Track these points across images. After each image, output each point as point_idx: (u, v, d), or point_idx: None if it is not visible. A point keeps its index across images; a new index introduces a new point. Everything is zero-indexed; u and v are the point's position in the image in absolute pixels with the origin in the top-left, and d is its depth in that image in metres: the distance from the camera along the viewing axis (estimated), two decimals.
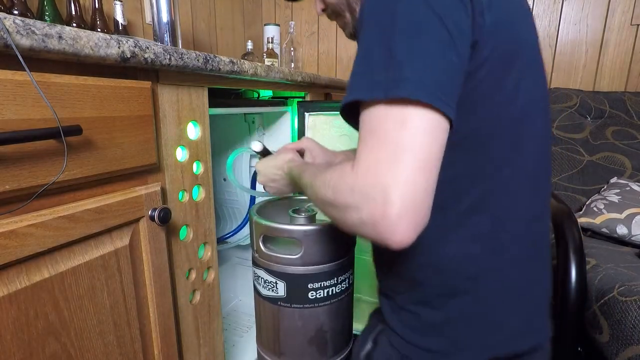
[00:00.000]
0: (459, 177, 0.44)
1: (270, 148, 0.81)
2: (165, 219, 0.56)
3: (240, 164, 1.17)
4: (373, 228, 0.35)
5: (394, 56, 0.35)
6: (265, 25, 1.65)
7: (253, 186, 1.09)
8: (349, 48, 1.81)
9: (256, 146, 0.76)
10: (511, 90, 0.42)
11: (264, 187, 0.72)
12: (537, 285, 0.50)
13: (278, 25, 1.66)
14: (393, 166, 0.34)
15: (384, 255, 0.55)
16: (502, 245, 0.46)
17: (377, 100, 0.36)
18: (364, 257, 1.04)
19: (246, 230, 1.18)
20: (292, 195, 0.87)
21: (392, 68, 0.35)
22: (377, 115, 0.36)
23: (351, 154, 0.82)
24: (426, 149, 0.34)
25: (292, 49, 1.62)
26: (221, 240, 1.15)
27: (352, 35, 0.64)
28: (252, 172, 1.13)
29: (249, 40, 1.52)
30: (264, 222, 0.72)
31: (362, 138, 0.38)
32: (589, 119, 1.36)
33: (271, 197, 0.91)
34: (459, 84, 0.38)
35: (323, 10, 0.64)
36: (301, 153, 0.78)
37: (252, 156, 1.16)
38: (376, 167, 0.34)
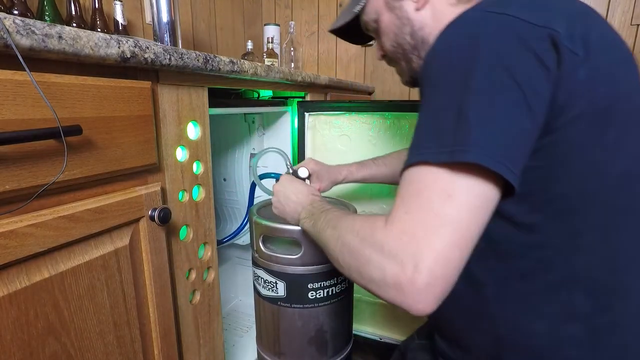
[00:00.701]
0: (547, 244, 0.40)
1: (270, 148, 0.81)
2: (165, 219, 0.56)
3: (241, 162, 1.17)
4: (395, 290, 0.34)
5: (465, 119, 0.34)
6: (265, 25, 1.65)
7: (252, 191, 1.09)
8: (349, 48, 1.81)
9: (303, 172, 0.77)
10: (612, 147, 0.38)
11: (273, 196, 0.71)
12: None
13: (278, 25, 1.66)
14: (429, 237, 0.33)
15: (453, 322, 0.50)
16: (609, 329, 0.39)
17: (434, 163, 0.35)
18: None
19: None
20: None
21: (461, 131, 0.34)
22: (426, 179, 0.35)
23: (354, 170, 0.82)
24: (466, 226, 0.33)
25: (292, 49, 1.62)
26: (221, 243, 1.15)
27: (408, 83, 0.63)
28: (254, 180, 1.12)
29: (249, 40, 1.52)
30: (264, 222, 0.72)
31: (402, 196, 0.36)
32: None
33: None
34: (528, 150, 0.36)
35: (382, 57, 0.64)
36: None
37: (251, 155, 1.16)
38: (412, 233, 0.34)
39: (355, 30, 0.66)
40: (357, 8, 0.60)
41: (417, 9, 0.53)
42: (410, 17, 0.54)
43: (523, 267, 0.41)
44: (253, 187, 1.08)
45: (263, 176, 1.03)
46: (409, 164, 0.37)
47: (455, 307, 0.46)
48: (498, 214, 0.39)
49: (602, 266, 0.39)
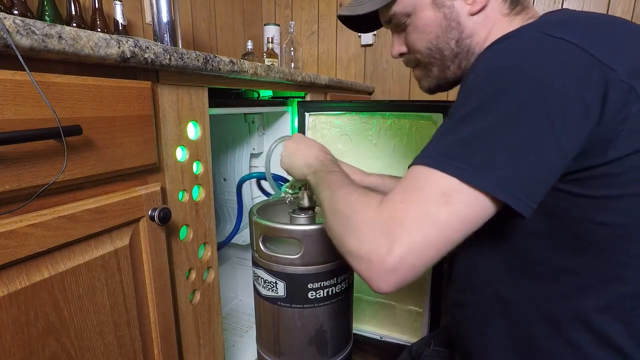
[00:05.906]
0: (584, 271, 0.40)
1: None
2: (165, 219, 0.56)
3: (241, 162, 1.17)
4: (365, 264, 0.37)
5: (487, 141, 0.35)
6: (265, 25, 1.66)
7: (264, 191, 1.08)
8: (349, 48, 1.81)
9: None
10: None
11: (283, 151, 0.68)
12: None
13: (278, 25, 1.66)
14: (414, 230, 0.35)
15: (477, 342, 0.49)
16: None
17: (444, 172, 0.36)
18: None
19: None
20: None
21: (481, 152, 0.35)
22: (431, 179, 0.36)
23: (361, 176, 0.79)
24: (451, 232, 0.35)
25: (292, 49, 1.62)
26: (221, 246, 1.14)
27: (431, 90, 0.58)
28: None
29: (249, 40, 1.52)
30: (264, 222, 0.72)
31: (404, 185, 0.38)
32: None
33: (271, 198, 0.91)
34: (549, 181, 0.36)
35: (401, 55, 0.57)
36: None
37: (252, 155, 1.16)
38: (400, 221, 0.35)
39: (364, 17, 0.57)
40: None
41: (471, 14, 0.48)
42: (461, 21, 0.48)
43: (556, 291, 0.41)
44: (240, 186, 1.05)
45: (258, 175, 1.00)
46: (420, 162, 0.38)
47: (480, 326, 0.47)
48: (536, 236, 0.41)
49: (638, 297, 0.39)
